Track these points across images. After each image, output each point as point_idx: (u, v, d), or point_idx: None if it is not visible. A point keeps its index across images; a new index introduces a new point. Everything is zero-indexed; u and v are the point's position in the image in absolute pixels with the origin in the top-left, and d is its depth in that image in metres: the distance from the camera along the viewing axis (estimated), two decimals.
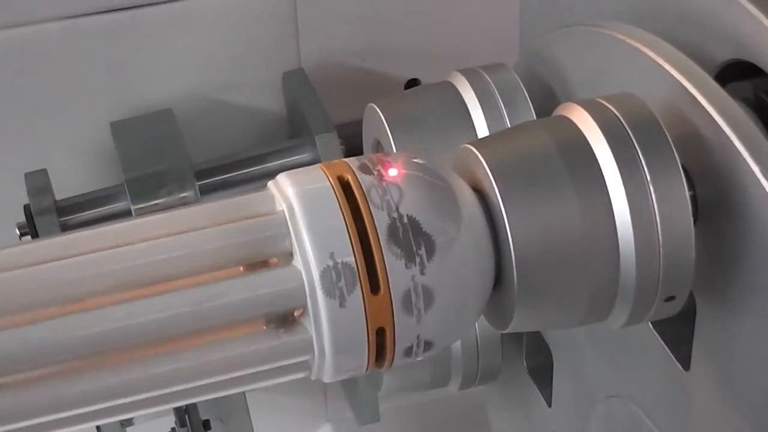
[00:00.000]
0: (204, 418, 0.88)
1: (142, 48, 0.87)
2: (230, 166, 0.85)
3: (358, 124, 0.67)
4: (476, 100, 0.63)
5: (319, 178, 0.47)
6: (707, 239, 0.50)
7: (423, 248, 0.46)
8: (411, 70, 0.93)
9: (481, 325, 0.67)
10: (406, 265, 0.46)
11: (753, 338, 0.50)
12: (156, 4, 0.86)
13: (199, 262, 0.46)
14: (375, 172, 0.47)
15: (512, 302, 0.49)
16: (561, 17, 0.68)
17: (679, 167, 0.49)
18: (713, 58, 0.57)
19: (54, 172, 0.83)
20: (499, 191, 0.48)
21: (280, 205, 0.47)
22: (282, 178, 0.48)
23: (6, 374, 0.44)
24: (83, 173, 0.89)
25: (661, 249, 0.48)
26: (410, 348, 0.48)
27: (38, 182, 0.82)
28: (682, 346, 0.55)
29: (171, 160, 0.83)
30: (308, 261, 0.46)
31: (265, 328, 0.47)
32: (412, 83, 0.93)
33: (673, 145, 0.49)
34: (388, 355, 0.47)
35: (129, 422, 0.86)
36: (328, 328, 0.46)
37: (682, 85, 0.51)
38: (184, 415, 0.87)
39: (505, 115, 0.63)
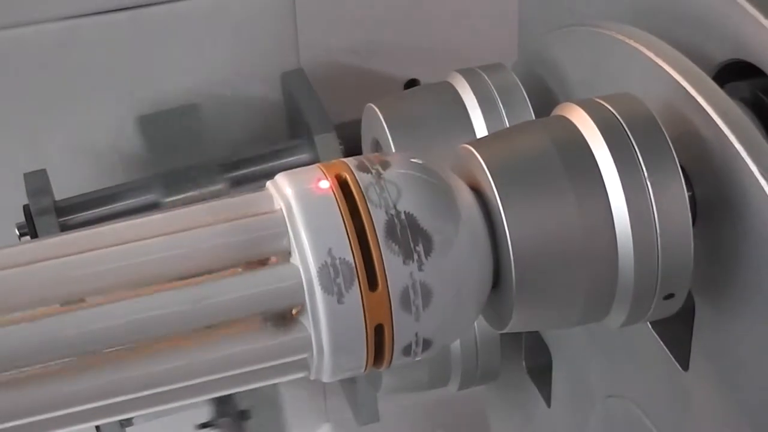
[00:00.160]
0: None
1: (142, 48, 0.87)
2: (229, 167, 0.86)
3: (357, 124, 0.67)
4: (475, 100, 0.63)
5: (316, 177, 0.47)
6: (706, 239, 0.50)
7: (421, 245, 0.46)
8: (410, 71, 0.93)
9: (480, 326, 0.67)
10: (403, 262, 0.46)
11: (752, 338, 0.50)
12: (155, 4, 0.86)
13: (198, 261, 0.46)
14: (373, 171, 0.47)
15: (511, 302, 0.49)
16: (560, 17, 0.68)
17: (677, 167, 0.49)
18: (712, 58, 0.57)
19: (54, 172, 0.83)
20: (498, 191, 0.48)
21: (278, 204, 0.47)
22: (280, 177, 0.48)
23: (5, 372, 0.44)
24: (83, 173, 0.89)
25: (659, 249, 0.48)
26: (409, 346, 0.48)
27: (37, 182, 0.82)
28: (680, 346, 0.55)
29: (196, 155, 0.84)
30: (306, 258, 0.46)
31: (263, 326, 0.47)
32: (412, 83, 0.93)
33: (671, 145, 0.49)
34: (387, 354, 0.47)
35: (128, 422, 0.86)
36: (326, 324, 0.46)
37: (681, 85, 0.51)
38: (221, 405, 0.87)
39: (504, 115, 0.63)
